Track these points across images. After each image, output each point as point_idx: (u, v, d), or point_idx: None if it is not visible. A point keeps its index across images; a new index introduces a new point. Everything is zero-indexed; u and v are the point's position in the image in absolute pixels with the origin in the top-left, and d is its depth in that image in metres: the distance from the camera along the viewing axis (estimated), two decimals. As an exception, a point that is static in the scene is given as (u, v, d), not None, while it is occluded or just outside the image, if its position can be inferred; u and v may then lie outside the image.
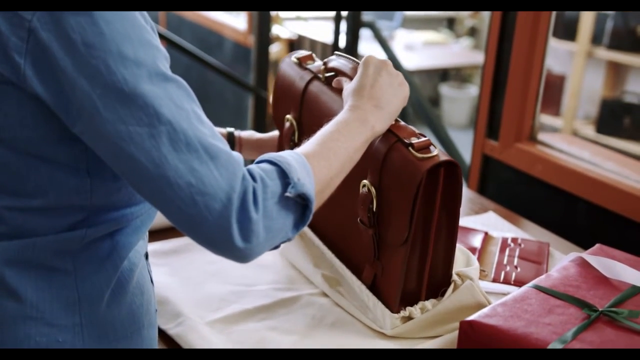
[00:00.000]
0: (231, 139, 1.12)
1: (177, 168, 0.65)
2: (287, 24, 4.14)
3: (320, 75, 1.04)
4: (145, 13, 0.72)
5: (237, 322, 0.97)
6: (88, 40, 0.64)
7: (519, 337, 0.80)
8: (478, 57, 4.36)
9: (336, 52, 1.04)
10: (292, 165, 0.71)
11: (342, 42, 2.28)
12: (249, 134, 1.16)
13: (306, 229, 1.10)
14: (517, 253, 1.22)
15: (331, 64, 1.02)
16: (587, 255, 1.00)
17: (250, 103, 2.70)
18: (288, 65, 1.10)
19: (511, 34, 1.54)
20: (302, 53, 1.11)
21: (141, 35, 0.67)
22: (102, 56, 0.64)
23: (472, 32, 4.86)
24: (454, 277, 0.97)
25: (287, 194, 0.69)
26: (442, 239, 0.94)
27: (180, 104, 0.67)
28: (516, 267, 1.17)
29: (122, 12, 0.66)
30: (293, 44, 4.01)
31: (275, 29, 3.45)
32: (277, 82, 1.11)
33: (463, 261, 1.04)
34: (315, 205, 0.73)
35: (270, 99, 1.33)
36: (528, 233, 1.34)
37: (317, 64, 1.08)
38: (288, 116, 1.07)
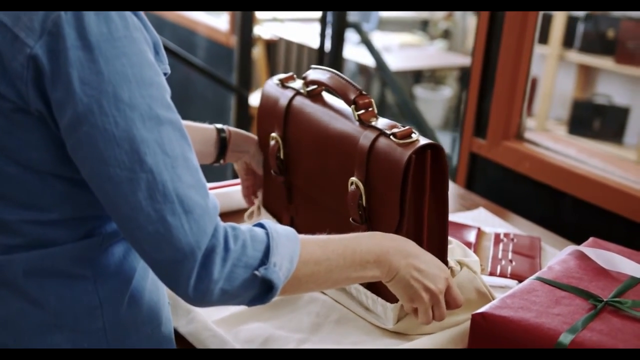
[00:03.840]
0: (221, 135, 1.11)
1: (148, 215, 0.66)
2: (264, 25, 4.13)
3: (302, 91, 1.06)
4: (149, 25, 0.72)
5: (243, 321, 0.97)
6: (85, 77, 0.64)
7: (531, 327, 0.81)
8: (452, 59, 4.41)
9: (312, 66, 1.06)
10: (279, 247, 0.72)
11: (327, 45, 2.29)
12: (238, 132, 1.15)
13: None
14: (510, 247, 1.25)
15: (311, 77, 1.04)
16: (584, 248, 1.02)
17: (232, 103, 2.70)
18: (271, 87, 1.12)
19: (499, 33, 1.57)
20: (284, 75, 1.12)
21: (140, 74, 0.66)
22: (97, 96, 0.64)
23: (446, 34, 4.92)
24: (452, 263, 0.97)
25: (256, 272, 0.70)
26: (435, 226, 0.94)
27: (170, 150, 0.67)
28: (511, 261, 1.20)
29: (124, 49, 0.65)
30: (269, 45, 4.00)
31: (256, 30, 3.44)
32: (260, 104, 1.13)
33: (460, 254, 1.05)
34: (280, 292, 0.74)
35: (249, 99, 1.32)
36: (518, 228, 1.36)
37: (299, 81, 1.09)
38: (273, 134, 1.08)
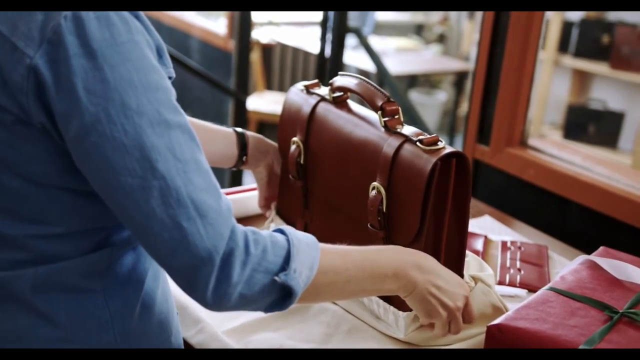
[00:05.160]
0: (241, 139, 1.09)
1: (163, 222, 0.64)
2: (259, 29, 4.12)
3: (328, 97, 1.05)
4: (151, 27, 0.70)
5: (253, 331, 0.96)
6: (90, 86, 0.62)
7: (548, 340, 0.80)
8: (447, 64, 4.42)
9: (340, 72, 1.05)
10: (299, 253, 0.71)
11: (328, 49, 2.28)
12: (258, 137, 1.14)
13: None
14: (518, 256, 1.24)
15: (337, 84, 1.03)
16: (596, 258, 1.01)
17: (230, 108, 2.68)
18: (295, 93, 1.11)
19: (503, 39, 1.57)
20: (309, 82, 1.12)
21: (146, 79, 0.65)
22: (103, 104, 0.63)
23: (441, 38, 4.92)
24: (467, 278, 0.97)
25: (276, 278, 0.69)
26: (454, 236, 0.93)
27: (180, 155, 0.65)
28: (519, 270, 1.19)
29: (128, 54, 0.64)
30: (264, 49, 3.99)
31: (253, 34, 3.43)
32: (283, 109, 1.12)
33: (476, 267, 1.04)
34: (299, 299, 0.73)
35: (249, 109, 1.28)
36: (524, 236, 1.36)
37: (324, 89, 1.09)
38: (294, 139, 1.07)
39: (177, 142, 0.65)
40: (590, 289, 0.93)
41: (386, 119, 0.94)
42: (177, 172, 0.65)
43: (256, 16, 3.92)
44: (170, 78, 0.72)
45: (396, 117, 0.94)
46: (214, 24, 3.27)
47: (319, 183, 1.06)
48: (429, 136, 0.90)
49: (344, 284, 0.77)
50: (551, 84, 3.85)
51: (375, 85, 0.98)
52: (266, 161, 1.12)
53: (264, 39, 3.88)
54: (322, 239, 1.06)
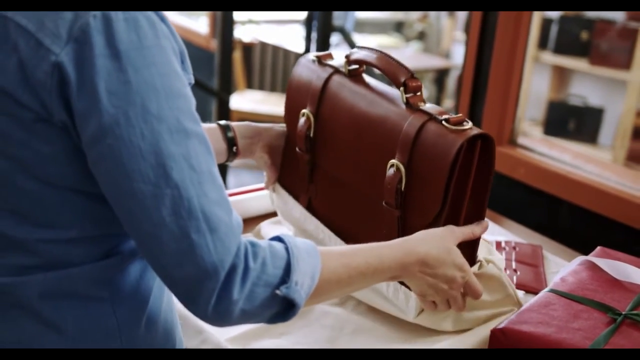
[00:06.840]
0: (226, 131, 1.06)
1: (172, 232, 0.63)
2: (239, 28, 4.09)
3: (343, 69, 1.01)
4: (176, 33, 0.69)
5: (256, 338, 0.94)
6: (112, 87, 0.61)
7: (553, 343, 0.80)
8: (428, 61, 4.42)
9: (358, 45, 1.02)
10: (299, 263, 0.69)
11: (312, 47, 2.26)
12: (244, 125, 1.10)
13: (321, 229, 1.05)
14: (513, 256, 1.23)
15: (354, 56, 0.99)
16: (595, 258, 1.01)
17: (213, 108, 2.65)
18: (305, 64, 1.07)
19: (491, 38, 1.56)
20: (321, 52, 1.08)
21: (169, 85, 0.64)
22: (124, 107, 0.62)
23: (421, 36, 4.93)
24: (480, 258, 0.94)
25: (277, 291, 0.68)
26: (472, 219, 0.90)
27: (196, 165, 0.64)
28: (515, 271, 1.18)
29: (153, 58, 0.63)
30: (244, 48, 3.96)
31: (235, 33, 3.40)
32: (291, 81, 1.08)
33: (485, 251, 1.00)
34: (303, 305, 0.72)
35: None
36: (516, 235, 1.35)
37: (339, 60, 1.05)
38: (304, 110, 1.03)
39: (193, 152, 0.64)
40: (592, 290, 0.92)
41: (408, 95, 0.91)
42: (191, 182, 0.63)
43: (237, 15, 3.89)
44: (190, 84, 0.71)
45: (418, 94, 0.91)
46: (195, 23, 3.23)
47: (328, 157, 1.02)
48: (455, 115, 0.87)
49: (345, 287, 0.77)
50: (531, 81, 3.87)
51: (397, 60, 0.94)
52: (262, 143, 1.08)
53: (246, 38, 3.85)
54: (326, 214, 1.04)
